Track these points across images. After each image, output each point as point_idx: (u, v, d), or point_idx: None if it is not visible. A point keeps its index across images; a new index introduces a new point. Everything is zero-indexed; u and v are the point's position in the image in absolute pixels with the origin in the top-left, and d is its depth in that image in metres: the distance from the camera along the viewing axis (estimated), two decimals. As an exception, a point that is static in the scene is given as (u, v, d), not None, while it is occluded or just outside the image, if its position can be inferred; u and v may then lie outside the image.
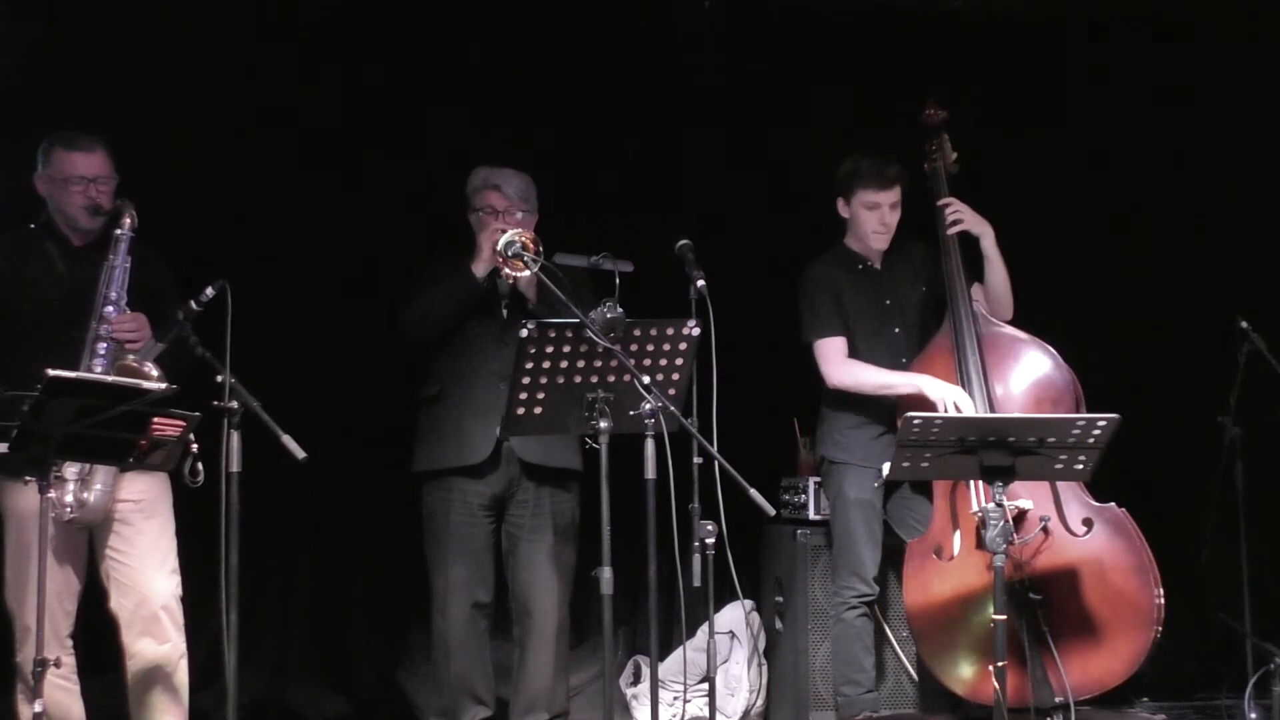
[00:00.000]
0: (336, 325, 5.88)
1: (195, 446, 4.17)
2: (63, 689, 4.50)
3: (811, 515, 5.60)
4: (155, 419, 4.00)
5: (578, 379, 4.37)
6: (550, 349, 4.33)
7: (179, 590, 4.60)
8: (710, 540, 4.33)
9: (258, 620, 5.49)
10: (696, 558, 4.34)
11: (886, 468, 5.05)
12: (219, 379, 4.23)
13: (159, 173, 5.16)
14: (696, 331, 4.45)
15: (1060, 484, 4.96)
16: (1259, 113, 6.38)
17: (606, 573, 4.25)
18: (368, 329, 5.72)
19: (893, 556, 5.29)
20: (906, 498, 5.29)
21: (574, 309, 4.35)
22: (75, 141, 4.62)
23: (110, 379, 4.21)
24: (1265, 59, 6.31)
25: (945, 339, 5.21)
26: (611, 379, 4.38)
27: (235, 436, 4.22)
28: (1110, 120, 6.37)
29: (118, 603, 4.55)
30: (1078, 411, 5.00)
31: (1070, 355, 5.15)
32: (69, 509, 4.37)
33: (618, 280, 4.64)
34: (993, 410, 5.05)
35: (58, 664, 4.22)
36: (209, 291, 4.30)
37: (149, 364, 4.35)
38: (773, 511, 4.45)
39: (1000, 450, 4.47)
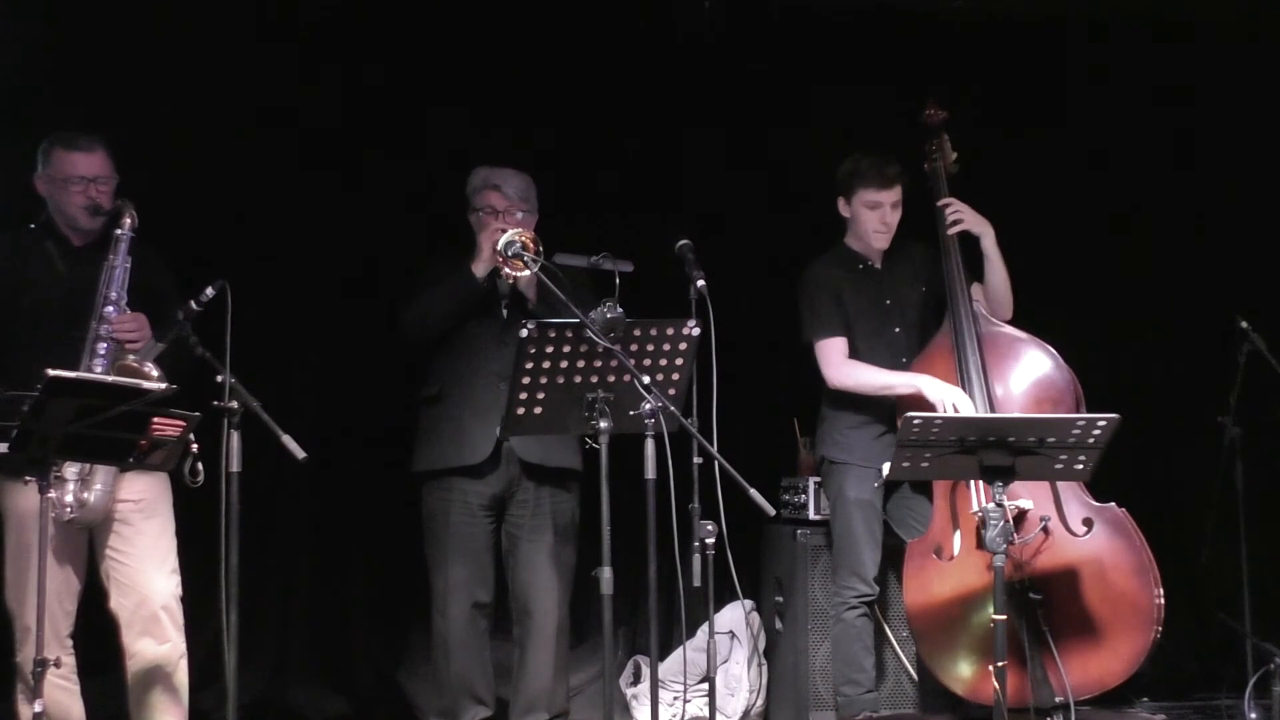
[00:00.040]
0: (336, 325, 5.88)
1: (195, 446, 4.17)
2: (63, 689, 4.50)
3: (811, 515, 5.60)
4: (155, 419, 4.00)
5: (578, 379, 4.37)
6: (550, 349, 4.33)
7: (179, 590, 4.60)
8: (710, 540, 4.33)
9: (258, 620, 5.49)
10: (696, 558, 4.34)
11: (886, 468, 5.05)
12: (219, 379, 4.23)
13: (159, 173, 5.16)
14: (696, 331, 4.45)
15: (1060, 484, 4.96)
16: (1259, 113, 6.38)
17: (606, 573, 4.25)
18: (368, 329, 5.72)
19: (893, 556, 5.29)
20: (906, 498, 5.29)
21: (574, 309, 4.35)
22: (75, 141, 4.62)
23: (110, 379, 4.21)
24: (1265, 59, 6.31)
25: (945, 339, 5.21)
26: (611, 379, 4.38)
27: (235, 436, 4.22)
28: (1110, 120, 6.37)
29: (118, 603, 4.54)
30: (1078, 411, 5.00)
31: (1070, 355, 5.15)
32: (69, 509, 4.37)
33: (618, 280, 4.64)
34: (993, 410, 5.05)
35: (58, 664, 4.22)
36: (209, 291, 4.30)
37: (149, 364, 4.35)
38: (773, 511, 4.45)
39: (1000, 450, 4.47)
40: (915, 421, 4.47)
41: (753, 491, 4.30)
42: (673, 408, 4.34)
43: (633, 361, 4.35)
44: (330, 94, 5.85)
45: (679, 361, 4.46)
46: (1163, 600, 4.94)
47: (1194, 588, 6.06)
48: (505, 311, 5.07)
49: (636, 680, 5.93)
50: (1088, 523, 4.99)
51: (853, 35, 6.22)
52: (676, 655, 5.49)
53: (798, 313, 5.34)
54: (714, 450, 4.41)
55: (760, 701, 5.74)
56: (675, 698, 5.44)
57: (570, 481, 5.12)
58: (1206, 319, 6.00)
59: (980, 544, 4.68)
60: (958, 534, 5.04)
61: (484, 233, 5.01)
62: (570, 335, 4.32)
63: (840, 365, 5.26)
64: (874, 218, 5.30)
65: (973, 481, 4.95)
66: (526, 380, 4.36)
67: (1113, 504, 5.03)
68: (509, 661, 5.20)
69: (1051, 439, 4.46)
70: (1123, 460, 4.77)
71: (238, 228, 5.67)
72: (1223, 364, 5.64)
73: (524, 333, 4.31)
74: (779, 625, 5.72)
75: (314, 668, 5.91)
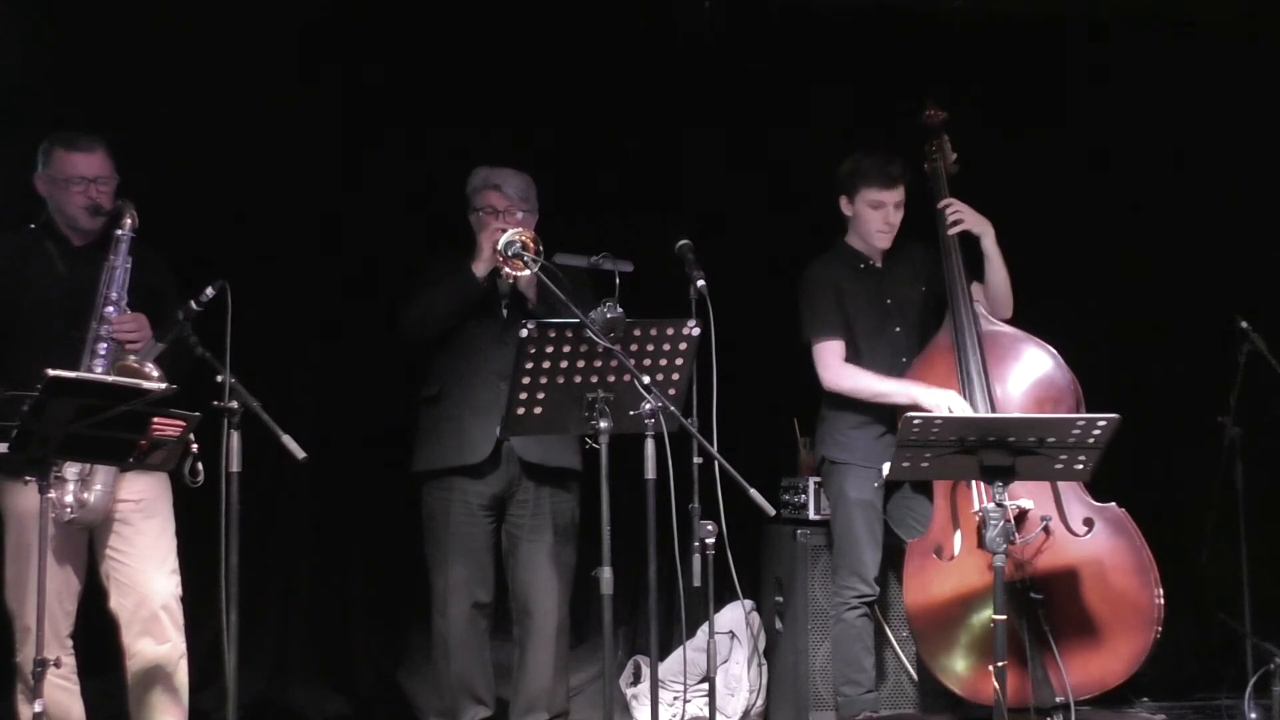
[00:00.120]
0: (336, 325, 5.88)
1: (195, 446, 4.17)
2: (63, 689, 4.50)
3: (811, 515, 5.60)
4: (155, 419, 4.00)
5: (578, 379, 4.37)
6: (550, 349, 4.33)
7: (179, 590, 4.60)
8: (710, 540, 4.33)
9: (258, 620, 5.49)
10: (696, 558, 4.34)
11: (886, 468, 5.05)
12: (219, 379, 4.23)
13: (159, 173, 5.16)
14: (696, 331, 4.45)
15: (1061, 484, 4.96)
16: (1259, 113, 6.38)
17: (606, 573, 4.25)
18: (368, 329, 5.72)
19: (893, 556, 5.29)
20: (907, 498, 5.29)
21: (574, 309, 4.35)
22: (75, 141, 4.61)
23: (110, 379, 4.21)
24: (1265, 59, 6.31)
25: (946, 338, 5.21)
26: (611, 379, 4.38)
27: (235, 436, 4.21)
28: (1110, 120, 6.36)
29: (118, 603, 4.54)
30: (1078, 411, 5.00)
31: (1070, 355, 5.15)
32: (69, 509, 4.37)
33: (618, 280, 4.64)
34: (993, 410, 5.05)
35: (58, 664, 4.22)
36: (209, 291, 4.30)
37: (149, 364, 4.35)
38: (773, 511, 4.45)
39: (1000, 450, 4.47)
40: (915, 422, 4.47)
41: (753, 491, 4.30)
42: (673, 408, 4.34)
43: (633, 361, 4.35)
44: (330, 94, 5.85)
45: (679, 361, 4.46)
46: (1163, 600, 4.94)
47: (1194, 588, 6.05)
48: (505, 311, 5.07)
49: (636, 680, 5.93)
50: (1088, 523, 5.00)
51: (853, 35, 6.22)
52: (676, 655, 5.49)
53: (798, 312, 5.34)
54: (714, 450, 4.41)
55: (760, 701, 5.74)
56: (675, 698, 5.44)
57: (570, 481, 5.12)
58: (1206, 319, 6.00)
59: (981, 544, 4.68)
60: (958, 534, 5.04)
61: (484, 233, 5.01)
62: (570, 335, 4.32)
63: (837, 368, 5.26)
64: (877, 217, 5.30)
65: (973, 481, 4.95)
66: (526, 380, 4.36)
67: (1113, 504, 5.04)
68: (509, 661, 5.20)
69: (1051, 439, 4.46)
70: (1123, 460, 4.77)
71: (238, 228, 5.66)
72: (1223, 364, 5.64)
73: (524, 333, 4.31)
74: (779, 625, 5.72)
75: (314, 668, 5.91)
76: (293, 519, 5.90)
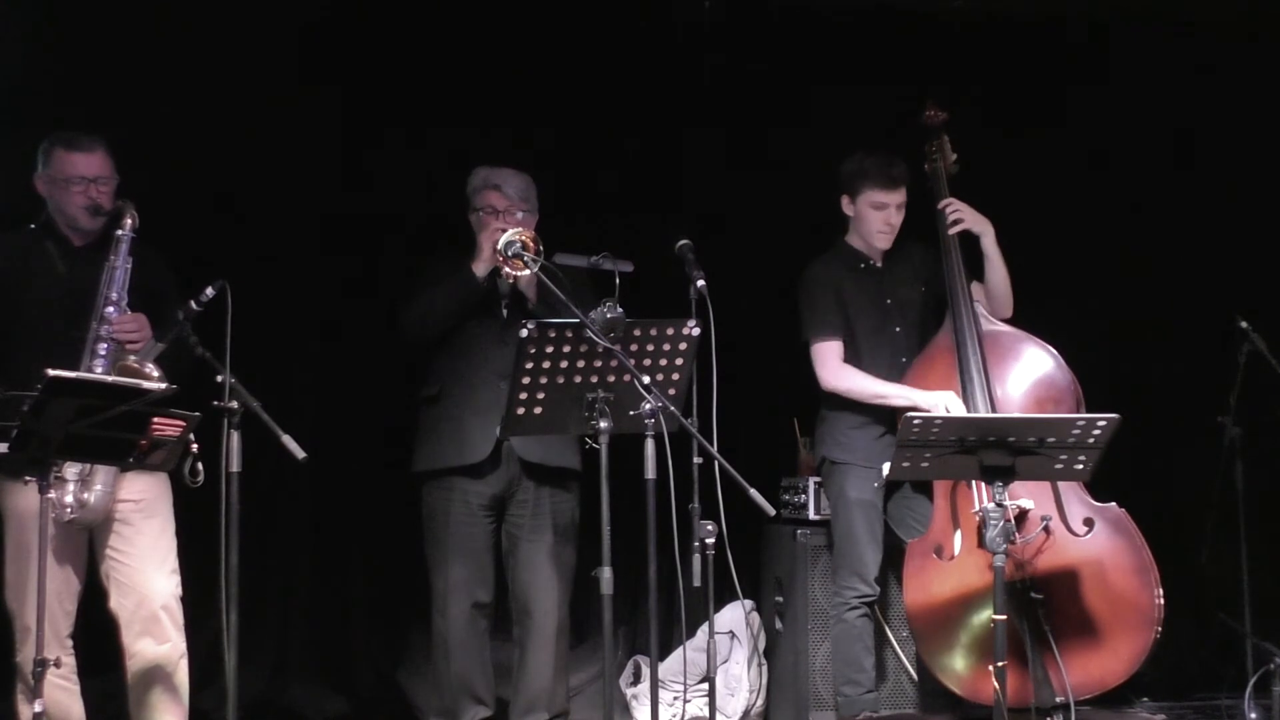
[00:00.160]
0: (336, 325, 5.88)
1: (195, 446, 4.17)
2: (63, 689, 4.50)
3: (811, 515, 5.60)
4: (155, 419, 4.00)
5: (578, 379, 4.37)
6: (550, 349, 4.33)
7: (179, 590, 4.60)
8: (710, 540, 4.33)
9: (258, 620, 5.49)
10: (696, 558, 4.34)
11: (887, 468, 5.05)
12: (219, 379, 4.23)
13: (159, 173, 5.16)
14: (696, 331, 4.45)
15: (1061, 484, 4.96)
16: (1259, 113, 6.38)
17: (606, 573, 4.25)
18: (368, 329, 5.72)
19: (893, 556, 5.29)
20: (907, 498, 5.29)
21: (574, 309, 4.35)
22: (75, 141, 4.61)
23: (110, 379, 4.21)
24: (1265, 59, 6.31)
25: (946, 338, 5.21)
26: (611, 379, 4.38)
27: (235, 436, 4.21)
28: (1110, 120, 6.36)
29: (118, 603, 4.54)
30: (1078, 411, 5.00)
31: (1070, 355, 5.15)
32: (69, 509, 4.37)
33: (618, 280, 4.64)
34: (994, 410, 5.05)
35: (58, 664, 4.21)
36: (209, 291, 4.30)
37: (149, 364, 4.35)
38: (773, 511, 4.45)
39: (1000, 450, 4.47)
40: (915, 422, 4.47)
41: (753, 491, 4.30)
42: (673, 408, 4.34)
43: (633, 361, 4.35)
44: (330, 94, 5.84)
45: (679, 361, 4.46)
46: (1163, 600, 4.94)
47: (1194, 588, 6.05)
48: (505, 311, 5.07)
49: (636, 680, 5.93)
50: (1089, 523, 5.00)
51: (853, 35, 6.22)
52: (676, 655, 5.49)
53: (797, 312, 5.34)
54: (714, 450, 4.41)
55: (760, 701, 5.74)
56: (675, 698, 5.44)
57: (570, 481, 5.12)
58: (1206, 319, 6.00)
59: (981, 544, 4.68)
60: (958, 534, 5.05)
61: (484, 232, 5.01)
62: (570, 335, 4.32)
63: (835, 369, 5.26)
64: (879, 218, 5.30)
65: (973, 481, 4.95)
66: (526, 380, 4.36)
67: (1113, 504, 5.04)
68: (509, 661, 5.20)
69: (1051, 439, 4.46)
70: (1123, 460, 4.77)
71: (238, 228, 5.67)
72: (1223, 364, 5.64)
73: (524, 333, 4.31)
74: (779, 625, 5.72)
75: (314, 668, 5.91)
76: (293, 519, 5.90)
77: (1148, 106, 6.38)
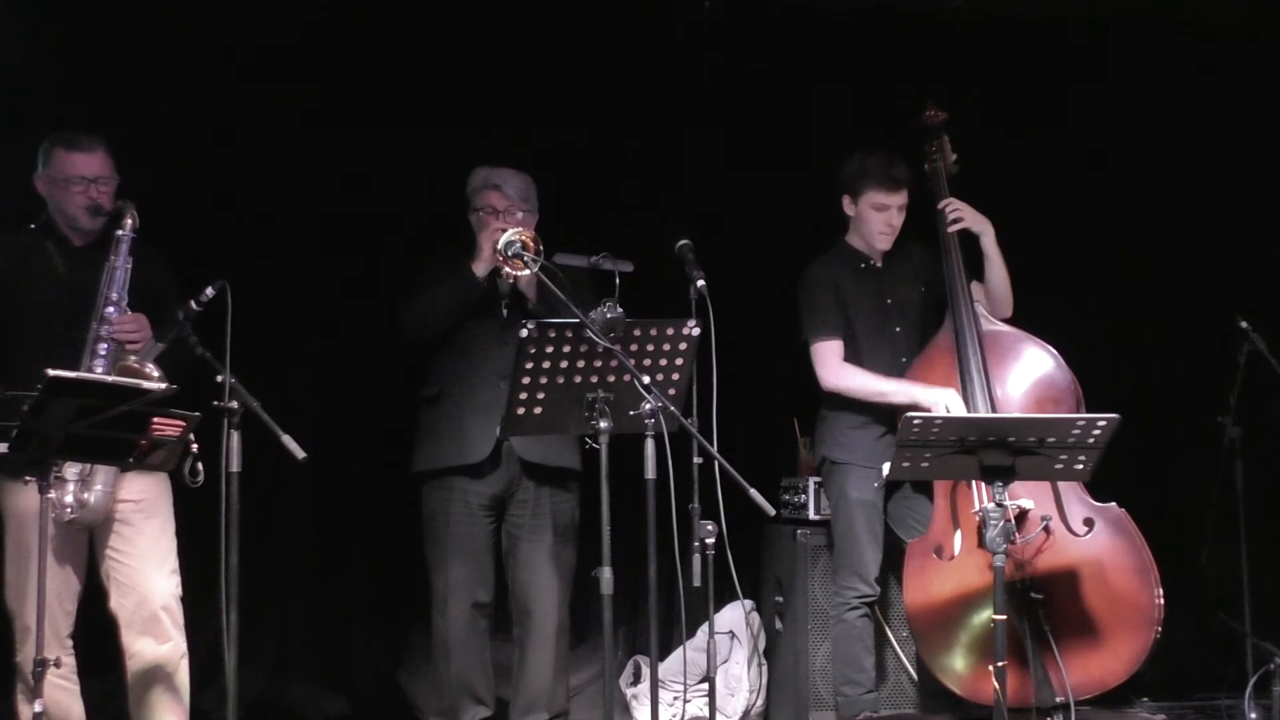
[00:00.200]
0: (336, 325, 5.88)
1: (195, 446, 4.17)
2: (63, 689, 4.50)
3: (811, 515, 5.60)
4: (155, 419, 4.00)
5: (578, 379, 4.37)
6: (550, 349, 4.33)
7: (179, 590, 4.60)
8: (710, 540, 4.33)
9: (258, 620, 5.49)
10: (696, 558, 4.34)
11: (887, 468, 5.05)
12: (219, 379, 4.23)
13: (159, 173, 5.16)
14: (696, 331, 4.45)
15: (1061, 484, 4.96)
16: (1259, 113, 6.38)
17: (606, 573, 4.25)
18: (368, 329, 5.72)
19: (893, 556, 5.29)
20: (907, 497, 5.29)
21: (574, 309, 4.35)
22: (75, 142, 4.61)
23: (110, 379, 4.20)
24: (1265, 59, 6.31)
25: (946, 338, 5.21)
26: (611, 379, 4.38)
27: (235, 436, 4.21)
28: (1110, 120, 6.36)
29: (118, 603, 4.54)
30: (1078, 411, 5.00)
31: (1070, 355, 5.15)
32: (69, 509, 4.37)
33: (618, 280, 4.64)
34: (994, 409, 5.05)
35: (58, 664, 4.21)
36: (209, 291, 4.30)
37: (149, 364, 4.35)
38: (773, 511, 4.45)
39: (1000, 450, 4.47)
40: (915, 422, 4.46)
41: (753, 491, 4.29)
42: (673, 408, 4.34)
43: (633, 361, 4.34)
44: (330, 94, 5.85)
45: (679, 361, 4.46)
46: (1163, 600, 4.94)
47: (1194, 588, 6.05)
48: (505, 311, 5.07)
49: (636, 680, 5.93)
50: (1089, 523, 5.00)
51: (853, 35, 6.22)
52: (676, 655, 5.49)
53: (797, 312, 5.34)
54: (714, 450, 4.41)
55: (760, 701, 5.74)
56: (675, 698, 5.44)
57: (570, 481, 5.12)
58: (1206, 319, 6.00)
59: (981, 544, 4.67)
60: (958, 534, 5.04)
61: (484, 232, 5.01)
62: (570, 335, 4.32)
63: (835, 368, 5.26)
64: (880, 220, 5.30)
65: (973, 481, 4.95)
66: (526, 380, 4.36)
67: (1113, 504, 5.04)
68: (509, 661, 5.20)
69: (1051, 439, 4.46)
70: (1123, 460, 4.77)
71: (238, 228, 5.67)
72: (1223, 364, 5.64)
73: (524, 333, 4.31)
74: (779, 625, 5.72)
75: (314, 668, 5.91)
76: (293, 519, 5.91)
77: (1148, 106, 6.38)
